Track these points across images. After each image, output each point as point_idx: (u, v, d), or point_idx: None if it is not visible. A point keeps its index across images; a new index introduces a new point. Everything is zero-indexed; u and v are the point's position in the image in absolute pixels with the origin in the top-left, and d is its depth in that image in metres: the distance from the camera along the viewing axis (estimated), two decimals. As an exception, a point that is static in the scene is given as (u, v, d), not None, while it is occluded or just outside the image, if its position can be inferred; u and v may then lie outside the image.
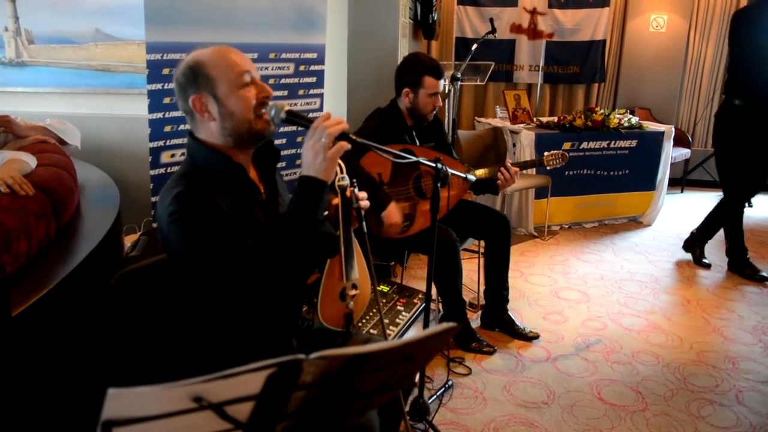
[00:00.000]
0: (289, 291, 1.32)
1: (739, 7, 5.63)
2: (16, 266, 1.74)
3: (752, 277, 3.78)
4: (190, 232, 1.29)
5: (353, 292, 1.62)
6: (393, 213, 2.49)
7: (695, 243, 4.06)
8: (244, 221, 1.36)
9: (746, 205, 5.44)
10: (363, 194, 1.57)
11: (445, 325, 0.95)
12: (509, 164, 2.62)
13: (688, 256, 4.10)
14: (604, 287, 3.65)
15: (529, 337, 2.92)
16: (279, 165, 1.60)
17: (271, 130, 1.44)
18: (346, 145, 1.34)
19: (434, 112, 2.75)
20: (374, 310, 2.10)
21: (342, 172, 1.55)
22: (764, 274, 3.78)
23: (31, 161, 2.24)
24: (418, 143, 2.80)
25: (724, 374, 2.67)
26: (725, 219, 3.86)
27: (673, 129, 4.98)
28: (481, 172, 2.64)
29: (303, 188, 1.34)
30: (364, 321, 2.06)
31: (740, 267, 3.86)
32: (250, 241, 1.30)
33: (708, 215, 3.96)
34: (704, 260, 4.01)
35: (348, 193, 1.56)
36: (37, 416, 1.59)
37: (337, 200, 1.55)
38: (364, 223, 1.57)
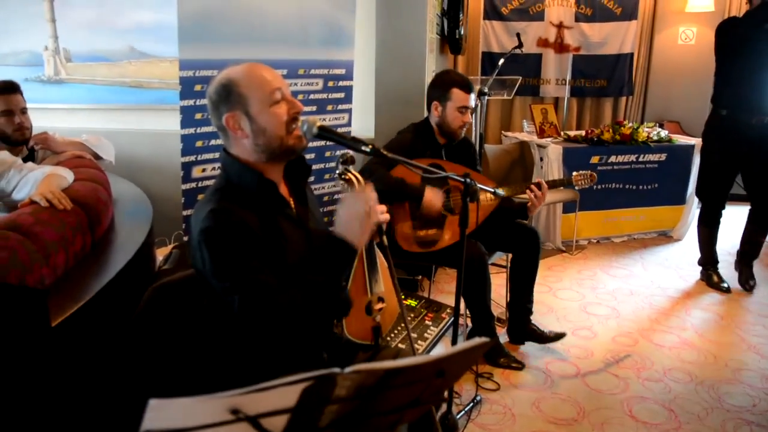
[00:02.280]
0: (294, 338, 1.36)
1: None
2: (54, 278, 1.79)
3: (717, 286, 3.80)
4: (216, 253, 1.32)
5: (379, 305, 1.62)
6: (432, 199, 2.51)
7: (742, 263, 3.88)
8: (272, 237, 1.39)
9: None
10: (382, 207, 1.58)
11: (478, 340, 0.95)
12: (538, 180, 2.61)
13: (721, 272, 3.97)
14: (634, 302, 3.60)
15: (558, 337, 2.88)
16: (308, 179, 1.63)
17: (302, 145, 1.46)
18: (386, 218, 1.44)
19: (463, 129, 2.74)
20: (402, 325, 2.10)
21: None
22: (726, 285, 3.77)
23: (68, 176, 2.31)
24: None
25: (762, 393, 2.60)
26: (705, 226, 3.84)
27: (704, 142, 4.90)
28: (515, 191, 2.62)
29: (335, 250, 1.38)
30: (392, 335, 2.06)
31: (709, 276, 3.87)
32: (271, 279, 1.33)
33: (744, 232, 3.84)
34: (750, 282, 3.80)
35: None
36: (76, 425, 1.62)
37: None
38: (384, 237, 1.58)
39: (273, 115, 1.40)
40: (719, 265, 3.90)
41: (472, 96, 2.71)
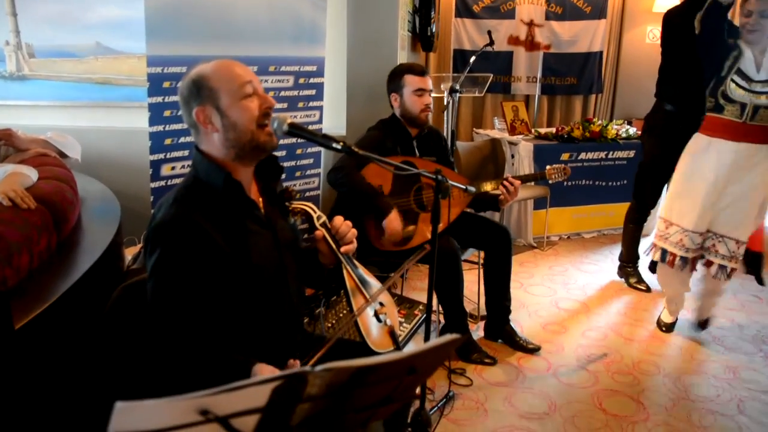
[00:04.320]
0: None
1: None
2: (17, 279, 1.74)
3: (635, 286, 3.78)
4: (157, 257, 1.32)
5: (384, 309, 1.61)
6: (394, 220, 2.51)
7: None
8: (235, 238, 1.38)
9: None
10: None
11: (449, 336, 0.95)
12: (511, 178, 2.62)
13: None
14: (603, 297, 3.66)
15: (530, 349, 2.91)
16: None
17: (273, 144, 1.45)
18: None
19: (427, 112, 2.75)
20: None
21: (315, 212, 1.57)
22: (646, 285, 3.76)
23: (32, 174, 2.25)
24: (418, 154, 2.81)
25: (725, 384, 2.67)
26: (633, 223, 3.78)
27: (671, 139, 4.99)
28: (489, 186, 2.64)
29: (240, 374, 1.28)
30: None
31: (628, 274, 3.84)
32: (191, 313, 1.31)
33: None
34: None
35: (318, 224, 1.58)
36: (40, 429, 1.58)
37: (321, 234, 1.56)
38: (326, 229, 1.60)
39: (244, 109, 1.39)
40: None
41: (428, 79, 2.75)
